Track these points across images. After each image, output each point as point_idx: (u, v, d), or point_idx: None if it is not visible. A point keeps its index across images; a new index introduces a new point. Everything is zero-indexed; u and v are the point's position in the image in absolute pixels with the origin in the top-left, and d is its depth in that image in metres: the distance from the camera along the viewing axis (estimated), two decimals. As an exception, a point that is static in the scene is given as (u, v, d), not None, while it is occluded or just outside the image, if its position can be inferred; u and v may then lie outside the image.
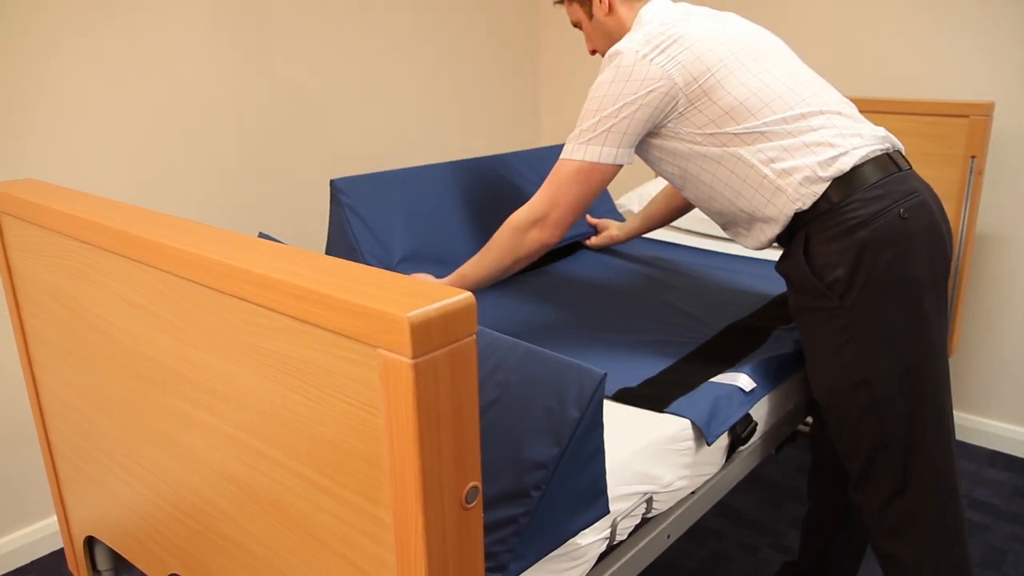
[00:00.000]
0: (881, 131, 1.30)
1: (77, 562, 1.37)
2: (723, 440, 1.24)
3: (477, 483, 0.68)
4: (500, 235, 1.37)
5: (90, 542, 1.34)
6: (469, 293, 0.63)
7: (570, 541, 0.97)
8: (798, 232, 1.27)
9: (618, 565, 1.07)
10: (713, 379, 1.30)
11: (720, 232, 2.19)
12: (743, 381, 1.29)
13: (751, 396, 1.28)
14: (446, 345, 0.62)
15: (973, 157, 2.02)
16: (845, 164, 1.22)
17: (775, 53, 1.32)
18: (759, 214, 1.29)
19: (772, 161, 1.25)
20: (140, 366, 0.99)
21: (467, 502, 0.68)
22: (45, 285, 1.15)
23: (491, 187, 1.89)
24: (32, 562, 2.01)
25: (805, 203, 1.24)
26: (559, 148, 2.10)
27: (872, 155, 1.25)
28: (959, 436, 2.52)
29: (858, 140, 1.26)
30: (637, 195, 2.37)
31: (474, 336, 0.64)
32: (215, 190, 2.21)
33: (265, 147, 2.30)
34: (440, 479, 0.65)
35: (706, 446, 1.19)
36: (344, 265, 0.72)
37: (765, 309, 1.62)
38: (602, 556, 1.06)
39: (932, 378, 1.26)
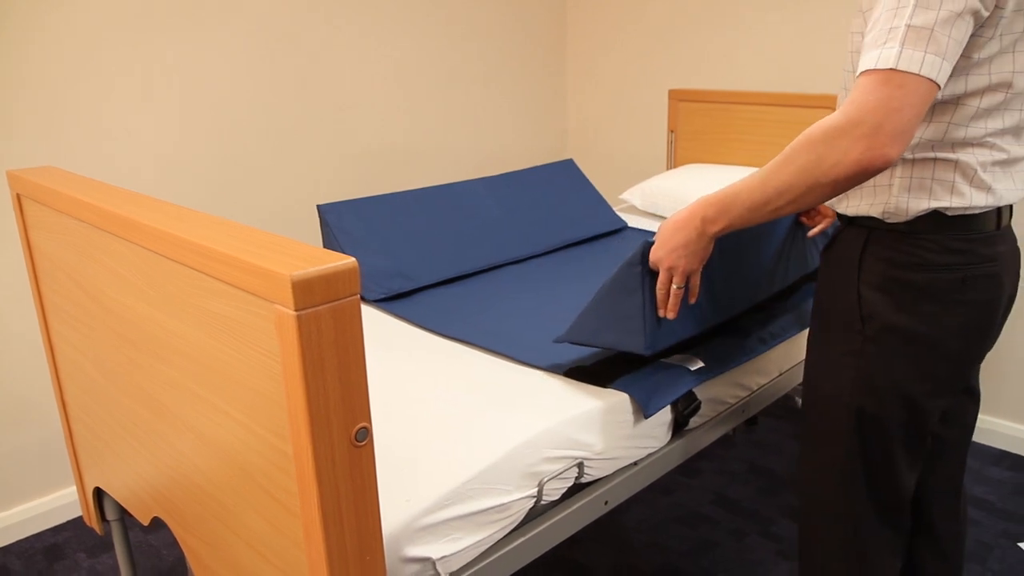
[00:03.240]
0: None
1: (89, 512, 1.53)
2: (666, 416, 1.32)
3: (367, 424, 0.79)
4: (796, 150, 1.00)
5: (99, 494, 1.50)
6: (352, 260, 0.74)
7: (496, 499, 1.06)
8: (856, 229, 1.15)
9: (550, 523, 1.16)
10: (665, 359, 1.38)
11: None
12: (691, 362, 1.36)
13: (697, 375, 1.35)
14: (328, 302, 0.73)
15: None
16: (962, 211, 1.07)
17: None
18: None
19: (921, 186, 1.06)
20: (125, 330, 1.13)
21: (357, 440, 0.79)
22: (57, 260, 1.31)
23: (467, 210, 2.01)
24: (68, 521, 2.21)
25: (888, 217, 1.10)
26: (528, 172, 2.21)
27: (993, 207, 1.09)
28: (966, 435, 2.52)
29: (1007, 189, 1.09)
30: (640, 191, 2.44)
31: (357, 296, 0.75)
32: (239, 184, 2.38)
33: (289, 144, 2.46)
34: (328, 417, 0.76)
35: (646, 420, 1.28)
36: (262, 235, 0.83)
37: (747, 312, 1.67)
38: (536, 516, 1.16)
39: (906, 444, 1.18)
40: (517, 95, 3.10)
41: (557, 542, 1.18)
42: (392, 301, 1.74)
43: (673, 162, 2.75)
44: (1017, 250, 1.17)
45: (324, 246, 1.84)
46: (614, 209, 2.45)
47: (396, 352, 1.46)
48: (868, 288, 1.12)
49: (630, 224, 2.36)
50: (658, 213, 2.39)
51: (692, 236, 1.13)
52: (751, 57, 2.63)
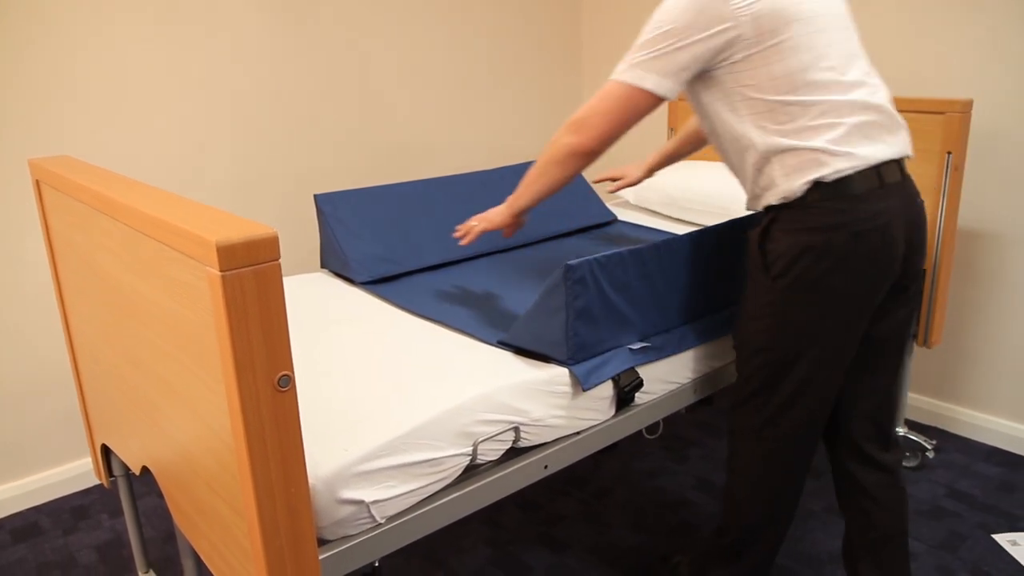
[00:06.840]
0: (902, 138, 1.35)
1: (97, 467, 1.70)
2: (607, 390, 1.42)
3: (288, 372, 0.92)
4: (544, 150, 1.43)
5: (106, 451, 1.67)
6: (273, 230, 0.87)
7: (429, 453, 1.19)
8: (767, 213, 1.37)
9: (486, 481, 1.28)
10: (613, 340, 1.48)
11: (706, 221, 2.33)
12: (637, 344, 1.46)
13: (638, 354, 1.45)
14: (251, 265, 0.86)
15: (949, 153, 2.08)
16: (836, 175, 1.28)
17: (843, 28, 1.32)
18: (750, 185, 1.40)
19: (779, 153, 1.30)
20: (116, 298, 1.28)
21: (280, 386, 0.92)
22: (67, 240, 1.48)
23: (459, 201, 2.14)
24: (95, 485, 2.41)
25: (786, 200, 1.32)
26: (522, 167, 2.35)
27: (865, 167, 1.29)
28: (958, 431, 2.54)
29: (870, 151, 1.29)
30: (633, 186, 2.52)
31: (278, 260, 0.88)
32: (258, 180, 2.55)
33: (304, 138, 2.62)
34: (252, 364, 0.89)
35: (585, 393, 1.38)
36: (210, 211, 0.97)
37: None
38: (476, 475, 1.28)
39: (826, 381, 1.39)
40: (533, 95, 3.22)
41: (494, 499, 1.29)
42: (379, 284, 1.87)
43: (674, 160, 2.83)
44: (911, 201, 1.35)
45: (320, 233, 1.99)
46: (607, 203, 2.55)
47: (370, 327, 1.60)
48: (774, 254, 1.34)
49: (620, 217, 2.45)
50: (648, 207, 2.48)
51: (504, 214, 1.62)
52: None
